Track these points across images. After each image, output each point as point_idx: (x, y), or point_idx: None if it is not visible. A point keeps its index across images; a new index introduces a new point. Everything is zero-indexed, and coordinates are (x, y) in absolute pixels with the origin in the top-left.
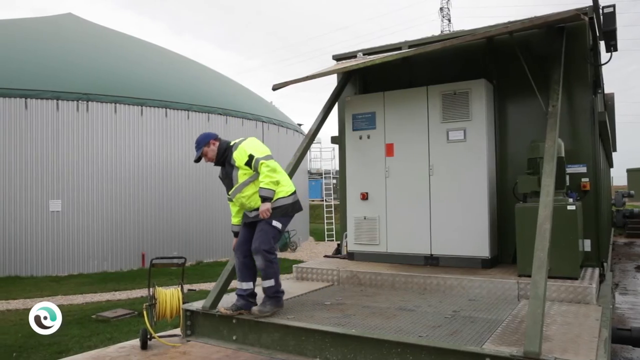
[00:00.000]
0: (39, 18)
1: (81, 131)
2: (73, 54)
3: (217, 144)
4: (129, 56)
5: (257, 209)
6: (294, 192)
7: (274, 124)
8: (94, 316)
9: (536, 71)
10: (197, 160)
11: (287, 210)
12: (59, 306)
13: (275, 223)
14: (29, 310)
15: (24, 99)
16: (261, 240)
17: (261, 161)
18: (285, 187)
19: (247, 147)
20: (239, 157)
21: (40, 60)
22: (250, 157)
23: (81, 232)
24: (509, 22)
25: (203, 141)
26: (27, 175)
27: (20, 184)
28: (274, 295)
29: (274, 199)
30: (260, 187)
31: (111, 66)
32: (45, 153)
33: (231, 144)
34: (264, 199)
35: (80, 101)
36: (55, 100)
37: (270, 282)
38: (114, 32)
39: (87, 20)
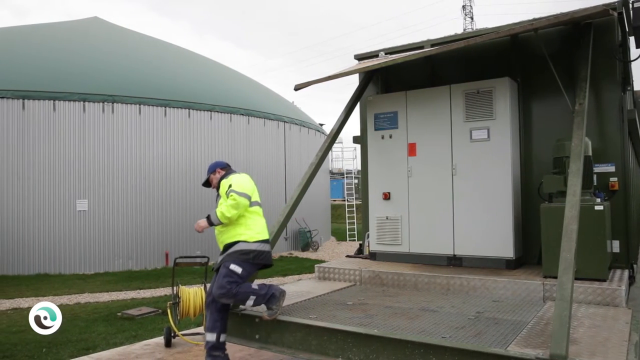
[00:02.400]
0: (65, 22)
1: (107, 132)
2: (99, 57)
3: (223, 172)
4: (153, 58)
5: (224, 251)
6: (263, 241)
7: (296, 124)
8: (119, 314)
9: (562, 68)
10: (204, 184)
11: (248, 256)
12: (86, 304)
13: (232, 267)
14: (57, 306)
15: (52, 101)
16: (217, 285)
17: (232, 193)
18: (250, 232)
19: (233, 178)
20: (223, 186)
21: (67, 63)
22: (229, 186)
23: (107, 231)
24: (534, 19)
25: (211, 168)
26: (55, 176)
27: (48, 184)
28: (267, 299)
29: (235, 240)
30: (215, 210)
31: (135, 68)
32: (72, 153)
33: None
34: (207, 218)
35: (105, 102)
36: (82, 102)
37: (252, 299)
38: (138, 34)
39: (112, 23)
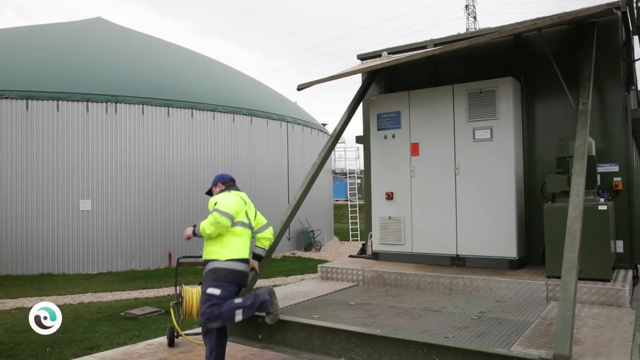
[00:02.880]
0: (69, 23)
1: (110, 132)
2: (102, 57)
3: (222, 187)
4: (156, 58)
5: (204, 267)
6: (236, 260)
7: (299, 124)
8: (122, 313)
9: (565, 68)
10: (208, 193)
11: (218, 274)
12: (90, 303)
13: (210, 290)
14: (61, 306)
15: (55, 102)
16: (200, 313)
17: (214, 211)
18: (224, 250)
19: (222, 197)
20: (210, 203)
21: (71, 63)
22: (215, 204)
23: (110, 231)
24: (537, 19)
25: (215, 181)
26: (58, 176)
27: (52, 184)
28: (257, 307)
29: (209, 257)
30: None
31: (138, 68)
32: (75, 154)
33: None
34: (193, 227)
35: (109, 103)
36: (85, 102)
37: (239, 313)
38: (141, 34)
39: (116, 24)
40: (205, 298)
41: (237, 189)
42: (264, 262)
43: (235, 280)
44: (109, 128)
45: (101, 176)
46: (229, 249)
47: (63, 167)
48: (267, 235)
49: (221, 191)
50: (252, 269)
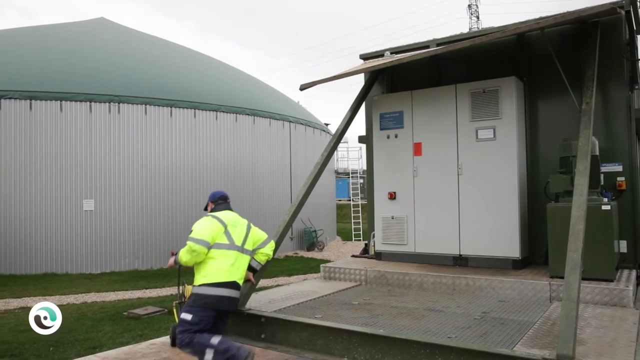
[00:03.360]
0: (72, 23)
1: (113, 132)
2: (105, 58)
3: (212, 207)
4: (159, 58)
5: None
6: (210, 285)
7: (301, 123)
8: (125, 313)
9: (569, 67)
10: (204, 209)
11: (190, 300)
12: (93, 303)
13: (182, 315)
14: (64, 306)
15: (59, 102)
16: (176, 337)
17: (188, 241)
18: (199, 276)
19: (196, 224)
20: (191, 231)
21: (74, 64)
22: (191, 231)
23: (113, 230)
24: (541, 18)
25: (209, 198)
26: (62, 176)
27: (55, 184)
28: (227, 357)
29: (193, 284)
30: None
31: (141, 69)
32: (78, 154)
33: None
34: (175, 255)
35: (112, 103)
36: (88, 102)
37: (209, 352)
38: (144, 34)
39: (119, 24)
40: (178, 323)
41: (227, 208)
42: (260, 274)
43: (206, 304)
44: (111, 128)
45: (104, 176)
46: (202, 274)
47: (66, 167)
48: (266, 252)
49: (211, 210)
50: (248, 280)
